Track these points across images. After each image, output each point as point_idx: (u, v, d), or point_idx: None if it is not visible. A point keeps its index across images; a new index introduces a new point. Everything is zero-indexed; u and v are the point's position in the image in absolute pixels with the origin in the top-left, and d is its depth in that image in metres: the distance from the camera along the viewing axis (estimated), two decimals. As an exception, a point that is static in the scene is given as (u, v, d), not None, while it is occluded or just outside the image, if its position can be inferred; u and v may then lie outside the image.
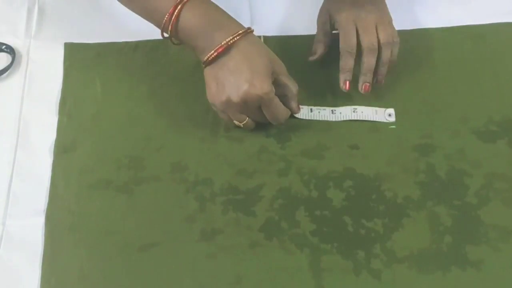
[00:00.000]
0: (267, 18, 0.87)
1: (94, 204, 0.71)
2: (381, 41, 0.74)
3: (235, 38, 0.68)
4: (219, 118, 0.74)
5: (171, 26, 0.69)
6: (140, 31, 0.81)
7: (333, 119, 0.77)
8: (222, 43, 0.68)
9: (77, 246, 0.68)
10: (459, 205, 0.70)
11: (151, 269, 0.66)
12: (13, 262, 0.67)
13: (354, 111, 0.77)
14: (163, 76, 0.81)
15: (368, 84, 0.75)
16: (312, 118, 0.77)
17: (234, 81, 0.69)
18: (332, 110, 0.77)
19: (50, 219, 0.70)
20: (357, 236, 0.68)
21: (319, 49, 0.79)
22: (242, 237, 0.68)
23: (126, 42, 0.84)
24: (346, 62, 0.75)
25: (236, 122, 0.72)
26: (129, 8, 0.74)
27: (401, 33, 0.79)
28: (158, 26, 0.71)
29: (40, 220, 0.70)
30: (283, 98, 0.73)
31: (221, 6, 0.72)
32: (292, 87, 0.73)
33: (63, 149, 0.75)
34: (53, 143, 0.75)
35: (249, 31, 0.70)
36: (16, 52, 0.82)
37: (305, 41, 0.83)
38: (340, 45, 0.75)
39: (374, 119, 0.76)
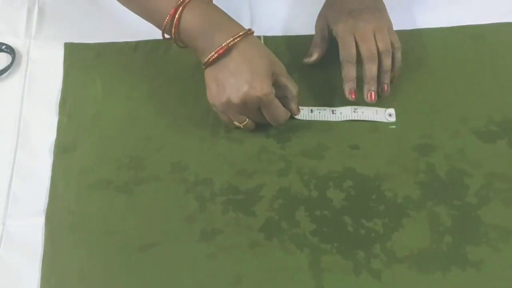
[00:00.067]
0: (267, 18, 0.87)
1: (94, 204, 0.71)
2: (380, 49, 0.74)
3: (236, 40, 0.68)
4: (219, 118, 0.74)
5: (174, 28, 0.69)
6: (140, 31, 0.81)
7: (334, 119, 0.77)
8: (223, 45, 0.68)
9: (77, 246, 0.68)
10: (459, 205, 0.70)
11: (151, 269, 0.66)
12: (13, 262, 0.67)
13: (354, 111, 0.77)
14: (163, 76, 0.81)
15: (373, 92, 0.75)
16: (313, 119, 0.77)
17: (234, 83, 0.69)
18: (332, 110, 0.77)
19: (50, 219, 0.70)
20: (357, 236, 0.68)
21: (316, 53, 0.79)
22: (242, 237, 0.68)
23: (126, 42, 0.84)
24: (348, 71, 0.75)
25: (236, 123, 0.72)
26: (128, 8, 0.74)
27: (401, 33, 0.79)
28: (158, 26, 0.71)
29: (40, 220, 0.70)
30: (283, 99, 0.73)
31: (221, 6, 0.72)
32: (292, 88, 0.73)
33: (63, 149, 0.75)
34: (53, 143, 0.75)
35: (249, 32, 0.70)
36: (16, 52, 0.82)
37: (305, 41, 0.83)
38: (340, 56, 0.75)
39: (375, 119, 0.76)
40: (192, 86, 0.78)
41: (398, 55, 0.76)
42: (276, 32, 0.85)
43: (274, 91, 0.70)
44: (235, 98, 0.69)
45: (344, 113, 0.77)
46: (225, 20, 0.71)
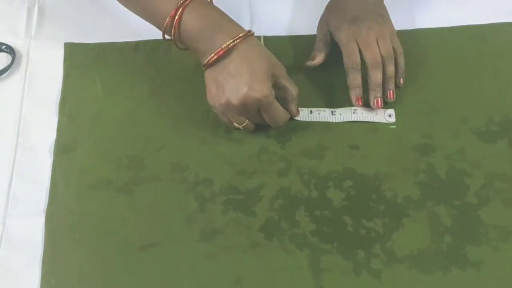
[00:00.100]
0: (267, 18, 0.87)
1: (94, 204, 0.71)
2: (383, 56, 0.75)
3: (236, 41, 0.68)
4: (219, 118, 0.74)
5: (174, 29, 0.69)
6: (140, 31, 0.81)
7: (333, 120, 0.77)
8: (223, 46, 0.68)
9: (77, 246, 0.68)
10: (459, 205, 0.70)
11: (151, 269, 0.66)
12: (13, 262, 0.68)
13: (354, 112, 0.77)
14: (163, 76, 0.81)
15: (379, 98, 0.75)
16: (312, 120, 0.77)
17: (233, 84, 0.69)
18: (332, 112, 0.77)
19: (50, 219, 0.70)
20: (357, 236, 0.68)
21: (318, 58, 0.79)
22: (242, 237, 0.68)
23: (126, 42, 0.84)
24: (354, 79, 0.75)
25: (236, 124, 0.72)
26: (128, 8, 0.74)
27: (401, 33, 0.80)
28: (158, 27, 0.71)
29: (40, 220, 0.70)
30: (283, 101, 0.73)
31: (221, 7, 0.72)
32: (292, 90, 0.73)
33: (63, 149, 0.75)
34: (53, 143, 0.75)
35: (249, 34, 0.70)
36: (16, 52, 0.82)
37: (306, 41, 0.83)
38: (345, 63, 0.76)
39: (374, 120, 0.76)
40: (192, 86, 0.78)
41: (401, 60, 0.77)
42: (276, 33, 0.85)
43: (273, 92, 0.70)
44: (235, 99, 0.69)
45: (344, 114, 0.77)
46: (225, 21, 0.71)
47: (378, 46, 0.75)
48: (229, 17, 0.71)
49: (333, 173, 0.73)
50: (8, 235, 0.69)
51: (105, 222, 0.69)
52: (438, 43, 0.83)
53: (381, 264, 0.66)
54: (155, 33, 0.72)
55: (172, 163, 0.73)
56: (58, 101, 0.79)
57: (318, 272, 0.66)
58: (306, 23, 0.84)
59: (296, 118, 0.76)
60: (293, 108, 0.74)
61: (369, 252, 0.67)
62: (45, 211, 0.70)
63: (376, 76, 0.75)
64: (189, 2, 0.69)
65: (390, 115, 0.77)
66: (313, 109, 0.77)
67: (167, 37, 0.71)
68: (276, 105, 0.71)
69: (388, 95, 0.76)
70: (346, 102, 0.77)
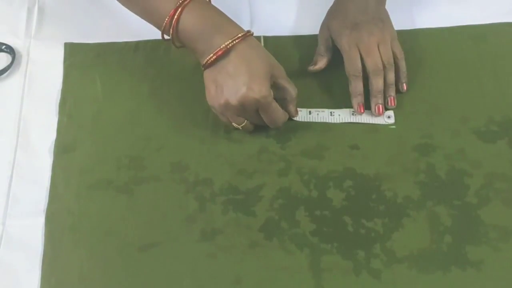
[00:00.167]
0: (267, 18, 0.87)
1: (94, 204, 0.71)
2: (383, 63, 0.75)
3: (234, 42, 0.68)
4: (219, 118, 0.74)
5: (172, 29, 0.69)
6: (140, 31, 0.81)
7: (332, 121, 0.77)
8: (221, 47, 0.68)
9: (77, 246, 0.68)
10: (459, 205, 0.70)
11: (151, 269, 0.66)
12: (13, 262, 0.67)
13: (353, 114, 0.77)
14: (163, 76, 0.81)
15: (380, 105, 0.76)
16: (311, 120, 0.77)
17: (232, 84, 0.69)
18: (330, 112, 0.77)
19: (50, 219, 0.70)
20: (357, 236, 0.68)
21: (320, 62, 0.79)
22: (242, 237, 0.68)
23: (126, 42, 0.84)
24: (356, 86, 0.75)
25: (234, 125, 0.72)
26: (127, 8, 0.74)
27: (401, 33, 0.80)
28: (157, 27, 0.71)
29: (40, 220, 0.70)
30: (282, 101, 0.73)
31: (221, 6, 0.72)
32: (291, 90, 0.73)
33: (63, 149, 0.75)
34: (53, 143, 0.75)
35: (248, 34, 0.70)
36: (16, 52, 0.82)
37: (305, 41, 0.83)
38: (346, 70, 0.76)
39: (373, 122, 0.76)
40: (192, 86, 0.78)
41: (403, 64, 0.77)
42: (276, 33, 0.85)
43: (272, 93, 0.70)
44: (233, 100, 0.69)
45: (343, 115, 0.77)
46: (224, 21, 0.71)
47: (379, 52, 0.75)
48: (228, 17, 0.71)
49: (333, 173, 0.73)
50: (8, 235, 0.69)
51: (105, 222, 0.69)
52: (438, 43, 0.83)
53: (381, 264, 0.66)
54: (155, 33, 0.72)
55: (172, 163, 0.73)
56: (58, 101, 0.79)
57: (318, 272, 0.66)
58: (306, 23, 0.84)
59: (295, 118, 0.76)
60: (292, 108, 0.74)
61: (369, 252, 0.67)
62: (45, 211, 0.70)
63: (377, 83, 0.75)
64: (188, 2, 0.69)
65: (389, 117, 0.77)
66: (312, 110, 0.77)
67: (166, 37, 0.71)
68: (275, 105, 0.71)
69: (389, 101, 0.76)
70: (345, 103, 0.77)
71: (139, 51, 0.83)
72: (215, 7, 0.72)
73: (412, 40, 0.83)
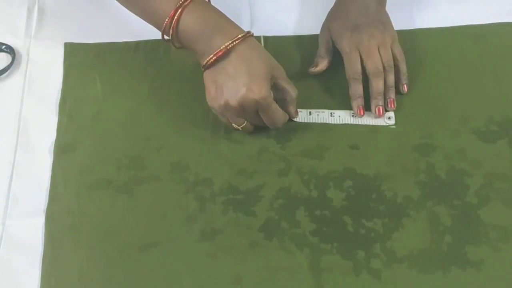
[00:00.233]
0: (267, 18, 0.87)
1: (94, 204, 0.71)
2: (384, 66, 0.75)
3: (234, 43, 0.68)
4: (219, 118, 0.74)
5: (172, 29, 0.69)
6: (140, 31, 0.81)
7: (332, 122, 0.77)
8: (221, 48, 0.68)
9: (77, 246, 0.68)
10: (459, 205, 0.70)
11: (151, 269, 0.66)
12: (13, 262, 0.67)
13: (353, 115, 0.77)
14: (163, 76, 0.81)
15: (380, 107, 0.76)
16: (311, 121, 0.77)
17: (232, 85, 0.69)
18: (331, 113, 0.77)
19: (50, 219, 0.70)
20: (357, 236, 0.68)
21: (321, 64, 0.79)
22: (242, 237, 0.68)
23: (126, 42, 0.84)
24: (355, 89, 0.76)
25: (234, 125, 0.72)
26: (127, 8, 0.74)
27: (401, 33, 0.80)
28: (157, 28, 0.71)
29: (40, 220, 0.70)
30: (282, 102, 0.73)
31: (221, 6, 0.72)
32: (291, 91, 0.73)
33: (63, 149, 0.75)
34: (53, 143, 0.75)
35: (248, 35, 0.70)
36: (16, 52, 0.82)
37: (306, 41, 0.83)
38: (346, 73, 0.76)
39: (374, 123, 0.76)
40: (192, 86, 0.78)
41: (403, 66, 0.77)
42: (276, 33, 0.85)
43: (272, 94, 0.70)
44: (233, 101, 0.69)
45: (343, 116, 0.77)
46: (225, 22, 0.71)
47: (380, 54, 0.75)
48: (228, 18, 0.71)
49: (333, 173, 0.73)
50: (8, 235, 0.69)
51: (105, 222, 0.69)
52: (438, 43, 0.83)
53: (381, 264, 0.66)
54: (155, 33, 0.72)
55: (172, 163, 0.73)
56: (58, 101, 0.79)
57: (318, 272, 0.66)
58: (307, 23, 0.84)
59: (295, 119, 0.76)
60: (292, 109, 0.74)
61: (369, 252, 0.67)
62: (45, 211, 0.70)
63: (377, 85, 0.75)
64: (188, 3, 0.69)
65: (389, 118, 0.77)
66: (312, 111, 0.77)
67: (166, 37, 0.71)
68: (275, 106, 0.71)
69: (389, 103, 0.76)
70: (345, 104, 0.77)
71: (139, 51, 0.83)
72: (215, 8, 0.72)
73: (412, 40, 0.83)
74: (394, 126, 0.76)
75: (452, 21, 0.85)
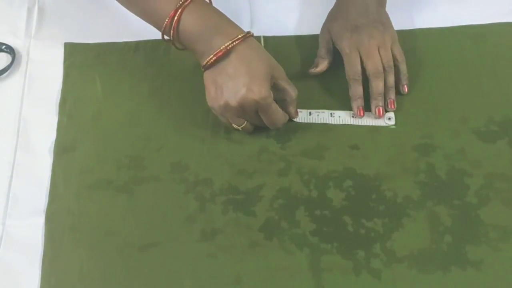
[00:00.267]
0: (267, 18, 0.87)
1: (94, 204, 0.71)
2: (384, 66, 0.75)
3: (234, 43, 0.68)
4: (219, 118, 0.74)
5: (173, 30, 0.69)
6: (140, 31, 0.81)
7: (332, 122, 0.77)
8: (221, 48, 0.68)
9: (77, 246, 0.68)
10: (459, 205, 0.70)
11: (151, 269, 0.66)
12: (13, 262, 0.67)
13: (353, 116, 0.77)
14: (163, 76, 0.81)
15: (380, 107, 0.76)
16: (311, 121, 0.77)
17: (232, 86, 0.69)
18: (331, 113, 0.77)
19: (50, 219, 0.70)
20: (357, 236, 0.68)
21: (321, 65, 0.79)
22: (242, 237, 0.68)
23: (126, 42, 0.84)
24: (355, 90, 0.76)
25: (234, 126, 0.72)
26: (127, 8, 0.74)
27: (401, 33, 0.80)
28: (158, 28, 0.71)
29: (40, 220, 0.70)
30: (282, 102, 0.73)
31: (221, 6, 0.72)
32: (291, 92, 0.73)
33: (63, 149, 0.75)
34: (53, 143, 0.75)
35: (248, 35, 0.70)
36: (16, 52, 0.82)
37: (306, 41, 0.83)
38: (346, 74, 0.76)
39: (374, 124, 0.76)
40: (192, 86, 0.78)
41: (403, 67, 0.77)
42: (276, 33, 0.85)
43: (272, 94, 0.70)
44: (233, 101, 0.69)
45: (343, 117, 0.77)
46: (225, 22, 0.71)
47: (380, 55, 0.75)
48: (228, 18, 0.71)
49: (333, 173, 0.73)
50: (8, 235, 0.69)
51: (105, 222, 0.69)
52: (438, 43, 0.83)
53: (381, 264, 0.66)
54: (155, 33, 0.72)
55: (172, 163, 0.73)
56: (58, 101, 0.79)
57: (318, 272, 0.66)
58: (307, 23, 0.84)
59: (295, 119, 0.76)
60: (292, 110, 0.74)
61: (369, 252, 0.67)
62: (45, 211, 0.70)
63: (377, 86, 0.75)
64: (188, 3, 0.69)
65: (389, 118, 0.77)
66: (312, 111, 0.77)
67: (166, 37, 0.71)
68: (275, 107, 0.71)
69: (389, 104, 0.76)
70: (345, 104, 0.77)
71: (139, 51, 0.83)
72: (215, 8, 0.72)
73: (412, 40, 0.83)
74: (394, 126, 0.76)
75: (452, 21, 0.85)
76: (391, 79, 0.76)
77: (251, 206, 0.70)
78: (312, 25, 0.82)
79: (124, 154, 0.74)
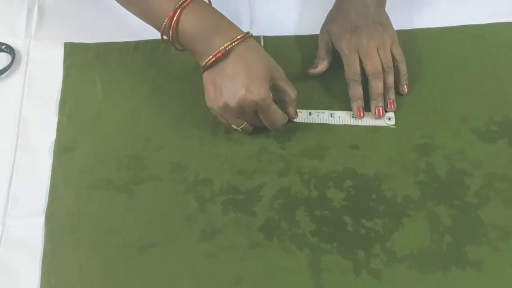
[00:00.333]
0: (267, 18, 0.87)
1: (94, 204, 0.71)
2: (383, 67, 0.75)
3: (234, 43, 0.68)
4: (219, 119, 0.74)
5: (172, 30, 0.69)
6: (140, 31, 0.81)
7: (332, 123, 0.77)
8: (220, 49, 0.68)
9: (77, 246, 0.68)
10: (459, 205, 0.70)
11: (151, 269, 0.66)
12: (13, 262, 0.67)
13: (353, 116, 0.77)
14: (163, 76, 0.81)
15: (380, 108, 0.76)
16: (311, 122, 0.77)
17: (231, 86, 0.69)
18: (331, 114, 0.77)
19: (50, 219, 0.70)
20: (357, 236, 0.68)
21: (321, 66, 0.79)
22: (242, 237, 0.68)
23: (126, 42, 0.84)
24: (355, 91, 0.76)
25: (234, 126, 0.72)
26: (127, 9, 0.74)
27: (401, 33, 0.80)
28: (157, 28, 0.71)
29: (40, 220, 0.70)
30: (282, 103, 0.73)
31: (221, 6, 0.72)
32: (291, 92, 0.73)
33: (63, 149, 0.75)
34: (53, 143, 0.75)
35: (247, 36, 0.70)
36: (16, 52, 0.82)
37: (305, 41, 0.83)
38: (346, 75, 0.76)
39: (374, 124, 0.76)
40: (192, 86, 0.78)
41: (403, 67, 0.77)
42: (276, 33, 0.85)
43: (271, 95, 0.70)
44: (232, 102, 0.69)
45: (343, 117, 0.77)
46: (224, 23, 0.71)
47: (379, 55, 0.75)
48: (227, 19, 0.71)
49: (333, 173, 0.73)
50: (8, 235, 0.69)
51: (105, 222, 0.69)
52: (438, 43, 0.83)
53: (381, 264, 0.66)
54: (155, 33, 0.72)
55: (172, 163, 0.73)
56: (58, 101, 0.79)
57: (318, 272, 0.66)
58: (306, 23, 0.84)
59: (295, 120, 0.76)
60: (291, 110, 0.74)
61: (369, 252, 0.67)
62: (45, 211, 0.70)
63: (377, 86, 0.75)
64: (188, 3, 0.69)
65: (389, 118, 0.77)
66: (312, 111, 0.77)
67: (165, 37, 0.71)
68: (274, 107, 0.71)
69: (389, 104, 0.76)
70: (345, 105, 0.77)
71: (139, 51, 0.83)
72: (214, 9, 0.72)
73: (412, 40, 0.83)
74: (394, 126, 0.76)
75: (452, 21, 0.85)
76: (390, 80, 0.76)
77: (251, 206, 0.70)
78: (312, 25, 0.82)
79: (124, 154, 0.74)
